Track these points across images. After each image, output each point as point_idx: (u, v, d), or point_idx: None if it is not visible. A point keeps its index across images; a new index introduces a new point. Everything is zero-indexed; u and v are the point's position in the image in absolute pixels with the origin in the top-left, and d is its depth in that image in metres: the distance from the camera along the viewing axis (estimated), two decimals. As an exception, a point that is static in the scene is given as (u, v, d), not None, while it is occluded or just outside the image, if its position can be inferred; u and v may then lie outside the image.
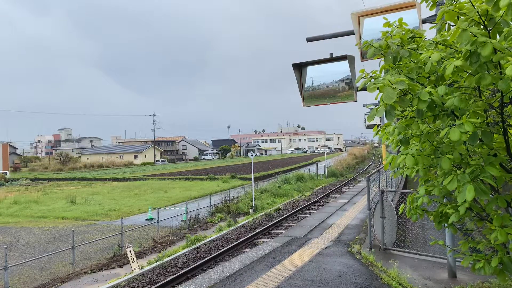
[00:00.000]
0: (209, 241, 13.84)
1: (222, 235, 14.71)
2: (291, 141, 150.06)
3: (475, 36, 2.60)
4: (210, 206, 21.10)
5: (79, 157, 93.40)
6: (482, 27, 2.77)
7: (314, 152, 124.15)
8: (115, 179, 45.84)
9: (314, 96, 5.56)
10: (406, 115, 3.59)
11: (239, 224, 16.63)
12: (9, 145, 77.54)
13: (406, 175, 3.67)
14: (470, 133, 2.74)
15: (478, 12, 2.73)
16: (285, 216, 17.06)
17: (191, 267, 10.43)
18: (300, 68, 5.55)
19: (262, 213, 19.02)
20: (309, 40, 6.31)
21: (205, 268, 10.47)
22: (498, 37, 2.78)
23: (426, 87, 2.91)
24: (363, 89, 3.92)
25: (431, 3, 3.15)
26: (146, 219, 19.55)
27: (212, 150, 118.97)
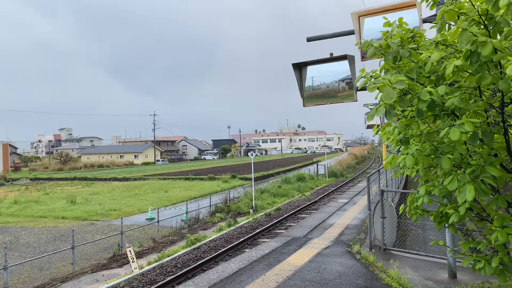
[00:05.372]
0: (209, 241, 13.83)
1: (222, 235, 14.70)
2: (291, 141, 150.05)
3: (475, 35, 2.59)
4: (210, 206, 21.09)
5: (80, 157, 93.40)
6: (482, 26, 2.76)
7: (314, 152, 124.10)
8: (115, 179, 45.84)
9: (314, 96, 5.55)
10: (406, 115, 3.58)
11: (239, 224, 16.62)
12: (10, 144, 77.53)
13: (407, 175, 3.66)
14: (471, 133, 2.73)
15: (478, 11, 2.72)
16: (285, 216, 17.05)
17: (191, 267, 10.42)
18: (300, 68, 5.55)
19: (262, 213, 19.01)
20: (309, 39, 6.30)
21: (205, 268, 10.47)
22: (498, 36, 2.77)
23: (426, 87, 2.91)
24: (363, 88, 3.91)
25: (431, 2, 3.14)
26: (146, 219, 19.55)
27: (213, 150, 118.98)
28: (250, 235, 13.81)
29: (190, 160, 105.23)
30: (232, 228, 15.92)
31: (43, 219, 20.97)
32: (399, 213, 8.92)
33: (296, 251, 9.90)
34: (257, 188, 25.83)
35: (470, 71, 2.80)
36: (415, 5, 4.61)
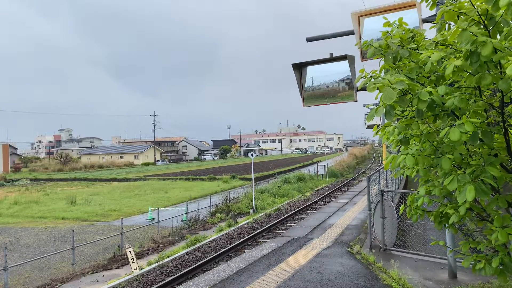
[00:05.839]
0: (209, 241, 13.83)
1: (222, 235, 14.70)
2: (291, 141, 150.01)
3: (475, 35, 2.59)
4: (210, 206, 21.08)
5: (80, 157, 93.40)
6: (482, 26, 2.76)
7: (314, 152, 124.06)
8: (115, 180, 45.80)
9: (314, 96, 5.55)
10: (406, 115, 3.58)
11: (239, 225, 16.62)
12: (10, 145, 77.47)
13: (407, 175, 3.66)
14: (471, 133, 2.73)
15: (478, 11, 2.71)
16: (285, 216, 17.04)
17: (191, 267, 10.42)
18: (300, 68, 5.55)
19: (262, 214, 19.00)
20: (309, 40, 6.30)
21: (205, 269, 10.46)
22: (498, 36, 2.77)
23: (426, 87, 2.90)
24: (363, 89, 3.92)
25: (431, 2, 3.14)
26: (146, 219, 19.55)
27: (213, 150, 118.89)
28: (250, 235, 13.81)
29: (190, 160, 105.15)
30: (232, 228, 15.91)
31: (43, 220, 20.97)
32: (399, 213, 8.92)
33: (296, 252, 9.90)
34: (257, 189, 25.82)
35: (470, 71, 2.79)
36: (415, 5, 4.61)
